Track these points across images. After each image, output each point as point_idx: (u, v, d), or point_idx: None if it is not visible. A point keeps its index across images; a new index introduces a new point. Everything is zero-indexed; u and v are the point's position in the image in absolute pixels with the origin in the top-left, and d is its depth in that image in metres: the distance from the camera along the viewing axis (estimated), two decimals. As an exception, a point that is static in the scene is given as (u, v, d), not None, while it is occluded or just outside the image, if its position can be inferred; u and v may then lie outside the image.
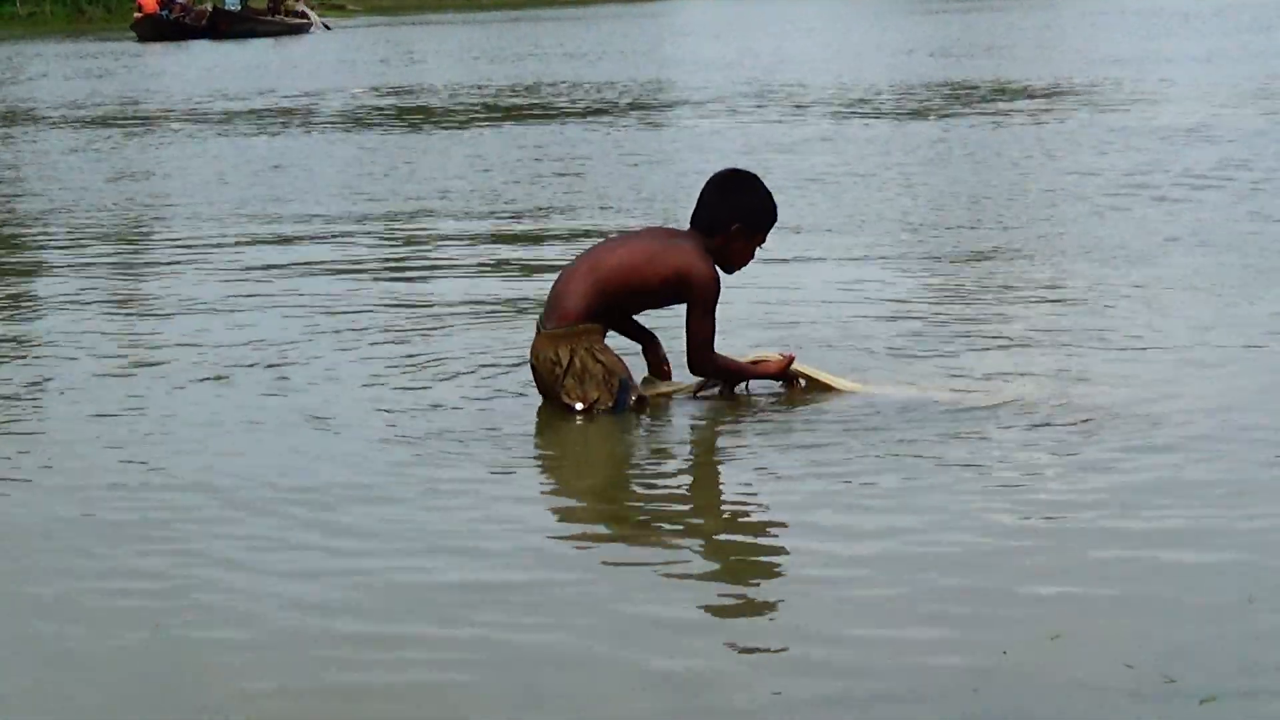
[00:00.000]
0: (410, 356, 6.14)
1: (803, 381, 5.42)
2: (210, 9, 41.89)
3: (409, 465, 4.79)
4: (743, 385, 5.44)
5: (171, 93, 22.53)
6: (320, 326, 6.75)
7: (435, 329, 6.66)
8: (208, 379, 5.92)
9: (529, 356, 5.36)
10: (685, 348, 5.29)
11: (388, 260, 8.61)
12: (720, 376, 5.37)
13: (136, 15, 41.07)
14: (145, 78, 26.22)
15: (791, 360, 5.40)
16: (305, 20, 43.59)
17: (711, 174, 5.52)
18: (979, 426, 4.96)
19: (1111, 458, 4.65)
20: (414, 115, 17.94)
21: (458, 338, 6.46)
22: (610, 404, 5.21)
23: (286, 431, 5.20)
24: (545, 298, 5.39)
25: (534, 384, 5.38)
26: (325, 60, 29.90)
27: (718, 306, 5.27)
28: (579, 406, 5.21)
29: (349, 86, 22.28)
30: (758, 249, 5.41)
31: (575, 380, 5.20)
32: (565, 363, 5.19)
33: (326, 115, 18.16)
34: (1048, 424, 4.98)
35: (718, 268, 5.33)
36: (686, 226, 5.40)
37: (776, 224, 5.45)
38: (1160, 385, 5.41)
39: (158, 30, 39.80)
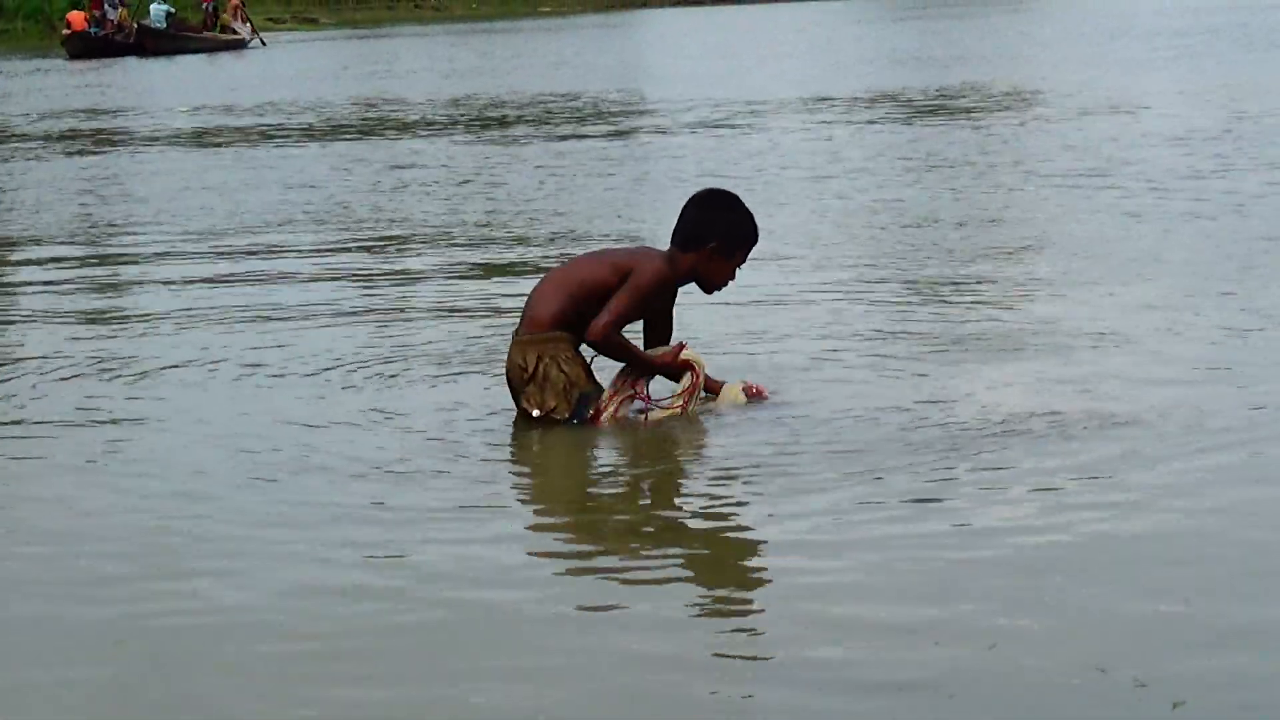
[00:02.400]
0: (382, 364, 6.15)
1: (696, 377, 5.33)
2: (135, 26, 41.48)
3: (381, 474, 4.80)
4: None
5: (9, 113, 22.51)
6: (287, 335, 6.76)
7: (406, 337, 6.67)
8: (173, 391, 5.92)
9: (506, 366, 5.38)
10: (593, 321, 5.21)
11: (354, 268, 8.61)
12: (615, 354, 5.26)
13: (65, 32, 40.87)
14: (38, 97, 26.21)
15: (681, 348, 5.35)
16: (240, 36, 43.05)
17: (693, 192, 5.54)
18: (950, 442, 4.93)
19: (1082, 463, 4.66)
20: (304, 131, 17.95)
21: (428, 346, 6.46)
22: (567, 414, 5.22)
23: (256, 443, 5.19)
24: (521, 308, 5.42)
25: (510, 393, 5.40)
26: (239, 77, 29.70)
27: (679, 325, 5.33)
28: (535, 413, 5.24)
29: (175, 106, 22.24)
30: (738, 269, 5.41)
31: (536, 387, 5.24)
32: (530, 369, 5.22)
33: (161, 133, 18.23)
34: (1015, 431, 4.98)
35: (699, 286, 5.37)
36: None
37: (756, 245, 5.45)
38: (1127, 389, 5.43)
39: (86, 47, 39.63)
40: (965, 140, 13.74)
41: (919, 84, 20.18)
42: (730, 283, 5.45)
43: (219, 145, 16.77)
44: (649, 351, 5.38)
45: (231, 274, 8.71)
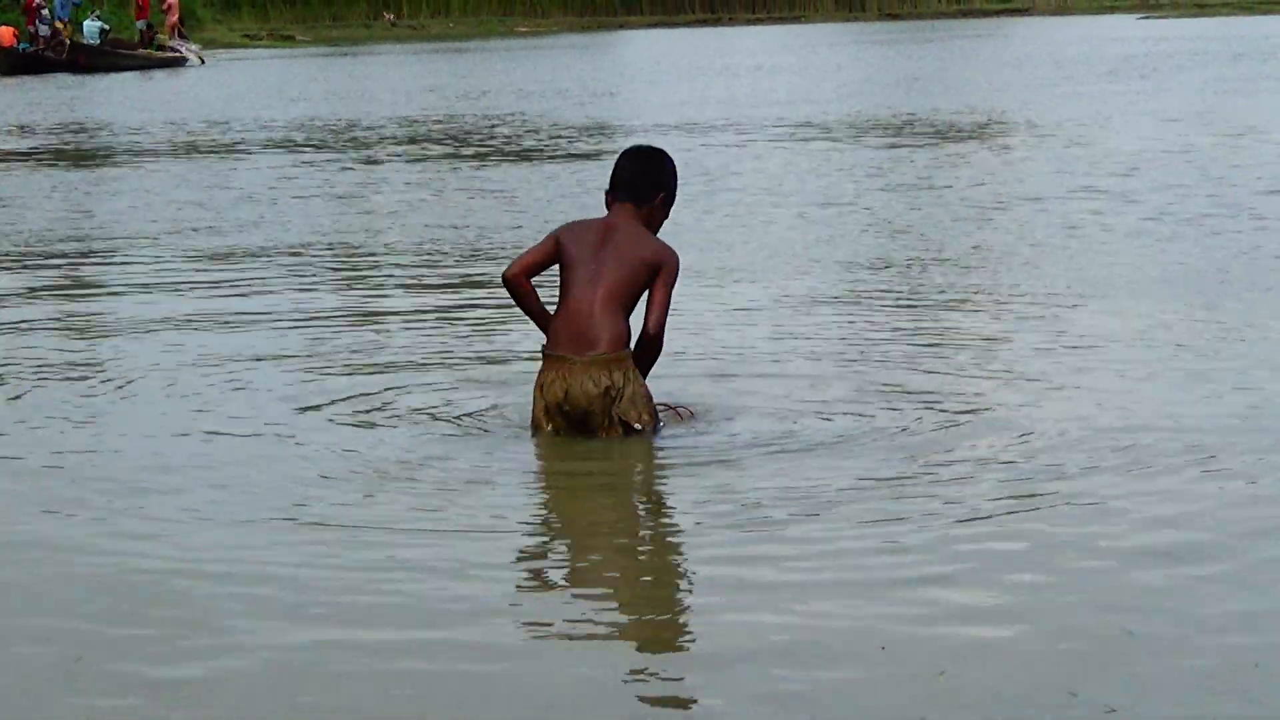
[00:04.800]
0: (387, 388, 6.11)
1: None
2: (68, 42, 40.94)
3: (411, 492, 4.78)
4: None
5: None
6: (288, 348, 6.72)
7: (402, 352, 6.66)
8: (160, 404, 5.85)
9: (554, 389, 5.25)
10: (648, 319, 5.27)
11: (333, 283, 8.58)
12: (659, 351, 5.37)
13: None
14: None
15: None
16: (177, 54, 42.33)
17: (624, 149, 5.55)
18: (951, 460, 4.93)
19: (1046, 484, 4.66)
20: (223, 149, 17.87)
21: (400, 355, 6.46)
22: (652, 424, 5.30)
23: (274, 457, 5.17)
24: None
25: (546, 416, 5.29)
26: (165, 95, 29.39)
27: None
28: (638, 426, 5.24)
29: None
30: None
31: (629, 404, 5.24)
32: (620, 387, 5.23)
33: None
34: (987, 455, 4.99)
35: None
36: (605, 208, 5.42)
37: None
38: (1096, 408, 5.45)
39: (16, 63, 38.69)
40: (933, 162, 13.81)
41: (891, 107, 20.32)
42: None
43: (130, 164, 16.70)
44: None
45: (174, 282, 8.67)
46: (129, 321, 7.61)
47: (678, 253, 5.36)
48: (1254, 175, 12.09)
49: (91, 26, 41.21)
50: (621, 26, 62.62)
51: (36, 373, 6.45)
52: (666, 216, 5.51)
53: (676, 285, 5.33)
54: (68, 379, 6.32)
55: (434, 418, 5.59)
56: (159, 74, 37.52)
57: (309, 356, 6.67)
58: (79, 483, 4.92)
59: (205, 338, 7.12)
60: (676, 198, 5.53)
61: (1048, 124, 17.34)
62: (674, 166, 5.49)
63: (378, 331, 7.22)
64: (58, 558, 4.26)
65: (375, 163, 15.75)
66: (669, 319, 5.33)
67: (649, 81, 28.75)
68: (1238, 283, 7.93)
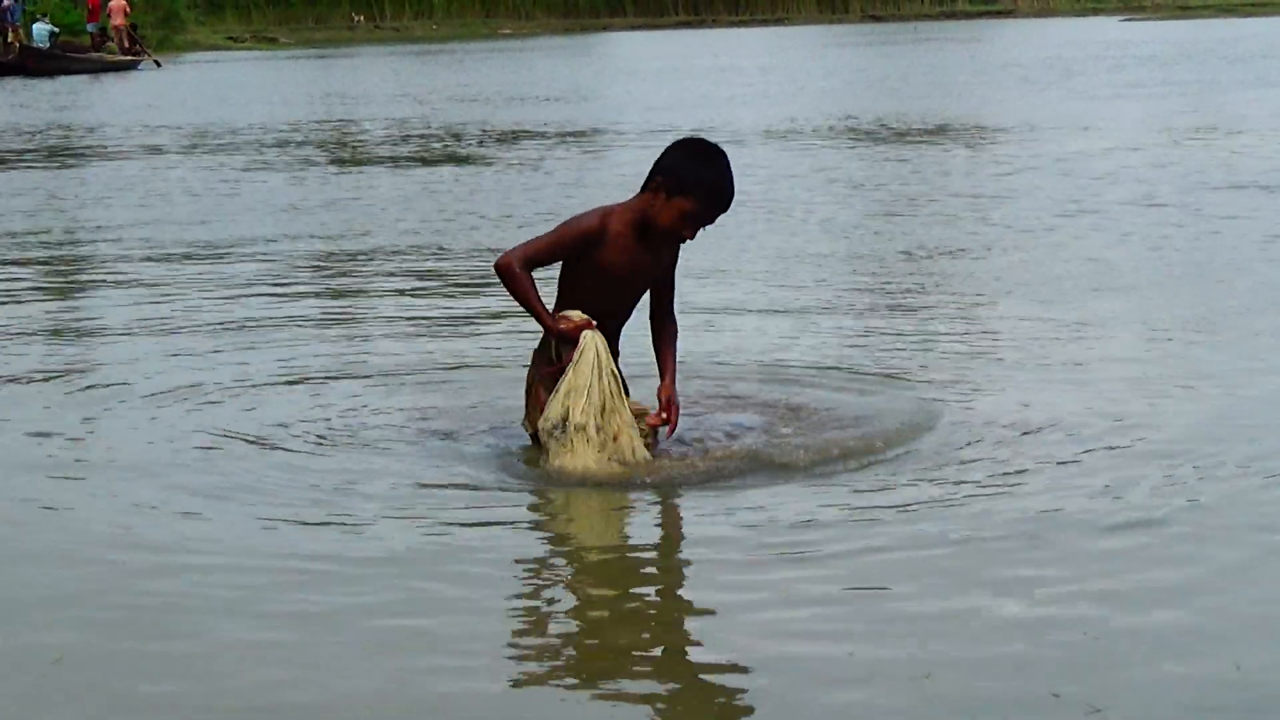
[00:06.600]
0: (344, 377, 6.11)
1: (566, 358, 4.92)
2: (19, 46, 40.72)
3: (408, 495, 4.76)
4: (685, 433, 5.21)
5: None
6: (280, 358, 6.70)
7: (363, 353, 6.65)
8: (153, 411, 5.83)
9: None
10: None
11: (319, 289, 8.57)
12: (512, 289, 4.91)
13: None
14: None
15: (589, 326, 4.93)
16: (128, 58, 41.55)
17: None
18: (932, 470, 4.91)
19: (1029, 489, 4.67)
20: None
21: (386, 361, 6.43)
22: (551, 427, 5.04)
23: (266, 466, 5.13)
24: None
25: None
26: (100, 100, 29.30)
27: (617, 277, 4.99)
28: (529, 433, 5.11)
29: None
30: (699, 229, 4.96)
31: (534, 407, 5.06)
32: (526, 389, 5.13)
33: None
34: (967, 462, 4.98)
35: (645, 227, 4.94)
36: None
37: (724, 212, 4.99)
38: (1084, 415, 5.45)
39: None
40: (911, 167, 13.87)
41: (872, 111, 20.37)
42: (688, 238, 4.99)
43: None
44: (565, 311, 4.98)
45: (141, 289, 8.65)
46: (90, 326, 7.60)
47: (582, 215, 4.94)
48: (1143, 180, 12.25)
49: (41, 30, 40.79)
50: (605, 28, 62.68)
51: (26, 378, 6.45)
52: (672, 214, 4.86)
53: (558, 238, 4.88)
54: (33, 381, 6.31)
55: (413, 428, 5.54)
56: (106, 78, 37.20)
57: (285, 359, 6.67)
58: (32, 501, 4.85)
59: (167, 342, 7.08)
60: (695, 201, 4.85)
61: (968, 128, 17.54)
62: (696, 163, 4.87)
63: (353, 339, 7.18)
64: (40, 566, 4.23)
65: (313, 164, 15.76)
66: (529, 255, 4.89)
67: (636, 82, 28.78)
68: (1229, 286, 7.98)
